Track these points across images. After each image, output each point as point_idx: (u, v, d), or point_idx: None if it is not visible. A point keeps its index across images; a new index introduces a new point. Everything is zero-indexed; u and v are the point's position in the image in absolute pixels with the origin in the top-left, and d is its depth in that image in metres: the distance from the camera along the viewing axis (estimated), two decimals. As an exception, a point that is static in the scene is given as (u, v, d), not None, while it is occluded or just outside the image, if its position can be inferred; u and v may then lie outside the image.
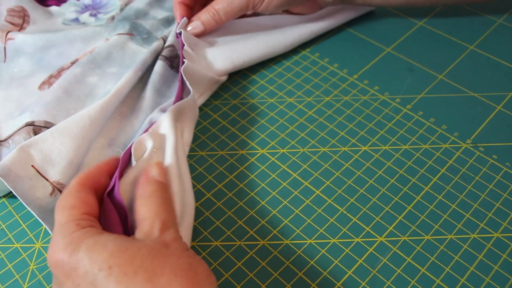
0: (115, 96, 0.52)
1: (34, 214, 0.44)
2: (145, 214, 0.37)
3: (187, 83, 0.51)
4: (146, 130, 0.46)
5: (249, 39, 0.60)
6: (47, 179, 0.46)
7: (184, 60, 0.53)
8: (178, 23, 0.58)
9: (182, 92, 0.52)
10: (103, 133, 0.52)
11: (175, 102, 0.49)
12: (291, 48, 0.62)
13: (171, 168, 0.44)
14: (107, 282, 0.31)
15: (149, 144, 0.45)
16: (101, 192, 0.40)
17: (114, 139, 0.52)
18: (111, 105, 0.52)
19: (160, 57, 0.57)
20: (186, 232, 0.43)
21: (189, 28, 0.58)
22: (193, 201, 0.45)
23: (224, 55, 0.57)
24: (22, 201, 0.44)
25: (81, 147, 0.48)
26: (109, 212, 0.39)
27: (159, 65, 0.56)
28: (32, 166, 0.46)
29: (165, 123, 0.47)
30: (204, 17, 0.58)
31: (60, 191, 0.46)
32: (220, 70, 0.57)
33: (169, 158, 0.45)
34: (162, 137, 0.47)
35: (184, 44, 0.55)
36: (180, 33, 0.56)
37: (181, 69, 0.52)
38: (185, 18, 0.58)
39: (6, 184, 0.44)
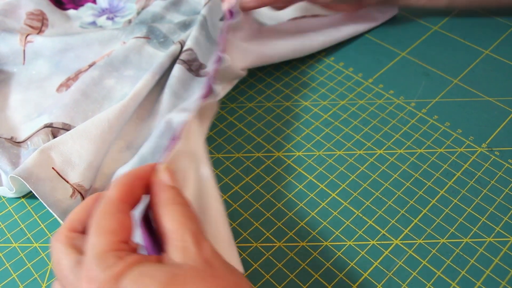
0: (133, 100, 0.53)
1: (55, 215, 0.45)
2: (171, 225, 0.34)
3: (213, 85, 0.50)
4: (172, 142, 0.43)
5: (278, 40, 0.61)
6: (67, 181, 0.47)
7: (224, 55, 0.53)
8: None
9: (210, 90, 0.51)
10: (122, 135, 0.53)
11: (204, 96, 0.48)
12: (315, 51, 0.63)
13: (209, 176, 0.43)
14: None
15: (184, 161, 0.43)
16: (135, 205, 0.37)
17: (132, 141, 0.53)
18: (129, 108, 0.52)
19: (178, 61, 0.57)
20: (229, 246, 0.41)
21: None
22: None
23: (254, 51, 0.58)
24: (43, 203, 0.45)
25: (100, 150, 0.49)
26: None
27: (178, 68, 0.57)
28: (53, 168, 0.47)
29: (193, 127, 0.46)
30: None
31: (81, 193, 0.47)
32: (249, 63, 0.58)
33: (205, 166, 0.44)
34: (192, 145, 0.45)
35: (224, 37, 0.55)
36: (230, 13, 0.56)
37: (220, 65, 0.51)
38: None
39: (27, 185, 0.45)
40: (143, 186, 0.36)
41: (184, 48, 0.59)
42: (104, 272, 0.30)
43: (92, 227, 0.33)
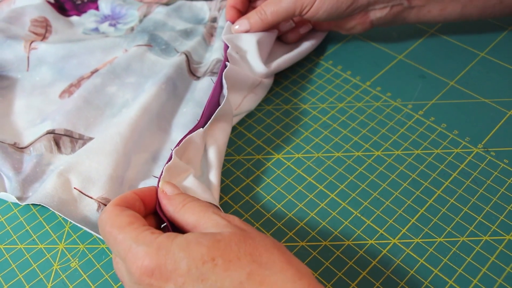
0: (142, 111, 0.54)
1: (87, 230, 0.46)
2: (195, 215, 0.38)
3: (225, 87, 0.52)
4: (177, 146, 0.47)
5: (281, 47, 0.64)
6: (91, 197, 0.48)
7: (226, 63, 0.54)
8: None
9: (219, 96, 0.53)
10: (146, 148, 0.54)
11: (207, 106, 0.50)
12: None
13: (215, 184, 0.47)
14: (216, 272, 0.33)
15: (181, 165, 0.46)
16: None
17: (156, 153, 0.54)
18: (140, 120, 0.53)
19: (208, 74, 0.59)
20: None
21: (236, 27, 0.59)
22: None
23: (261, 60, 0.59)
24: (73, 222, 0.46)
25: (118, 161, 0.50)
26: None
27: (205, 80, 0.58)
28: (75, 188, 0.48)
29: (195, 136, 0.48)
30: (252, 16, 0.59)
31: (106, 205, 0.48)
32: (261, 73, 0.58)
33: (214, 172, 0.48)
34: (192, 151, 0.48)
35: (228, 47, 0.57)
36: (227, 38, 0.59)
37: (224, 72, 0.53)
38: (228, 22, 0.60)
39: (52, 210, 0.47)
40: (139, 199, 0.41)
41: (211, 60, 0.61)
42: (150, 246, 0.34)
43: (112, 232, 0.37)
